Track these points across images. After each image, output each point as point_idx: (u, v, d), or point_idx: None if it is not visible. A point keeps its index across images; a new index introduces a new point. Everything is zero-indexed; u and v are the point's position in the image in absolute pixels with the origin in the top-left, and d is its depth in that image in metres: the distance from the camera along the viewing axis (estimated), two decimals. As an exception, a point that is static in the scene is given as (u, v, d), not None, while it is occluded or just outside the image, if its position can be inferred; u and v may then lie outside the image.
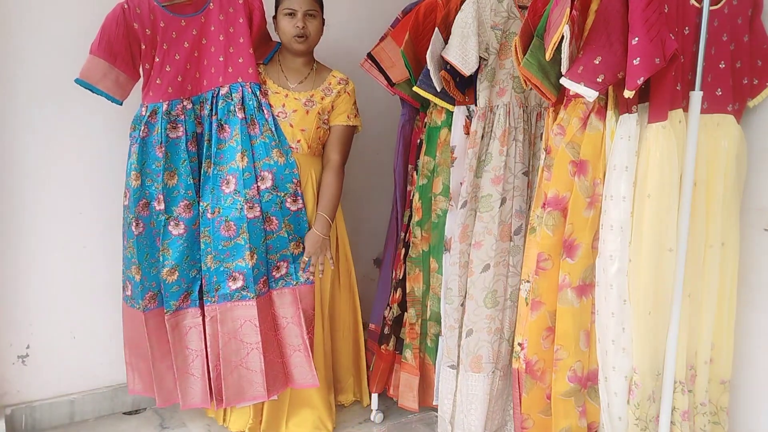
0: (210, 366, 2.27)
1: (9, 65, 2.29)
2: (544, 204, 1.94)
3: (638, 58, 1.67)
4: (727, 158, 1.95)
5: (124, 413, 2.60)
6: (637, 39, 1.68)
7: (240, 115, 2.25)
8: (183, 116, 2.25)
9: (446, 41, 2.16)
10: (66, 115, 2.38)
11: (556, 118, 1.95)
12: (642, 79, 1.68)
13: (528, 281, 2.03)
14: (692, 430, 2.04)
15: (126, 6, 2.16)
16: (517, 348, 2.07)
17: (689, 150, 1.83)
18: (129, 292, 2.28)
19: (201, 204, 2.27)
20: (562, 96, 1.92)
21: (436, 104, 2.30)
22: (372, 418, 2.56)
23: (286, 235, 2.30)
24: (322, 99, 2.35)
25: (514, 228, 2.19)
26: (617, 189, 1.81)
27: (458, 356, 2.24)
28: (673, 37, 1.70)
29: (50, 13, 2.33)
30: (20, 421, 2.42)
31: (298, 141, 2.33)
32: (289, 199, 2.30)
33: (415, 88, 2.25)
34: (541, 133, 2.17)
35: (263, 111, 2.28)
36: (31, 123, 2.34)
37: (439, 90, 2.19)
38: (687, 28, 1.86)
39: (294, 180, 2.30)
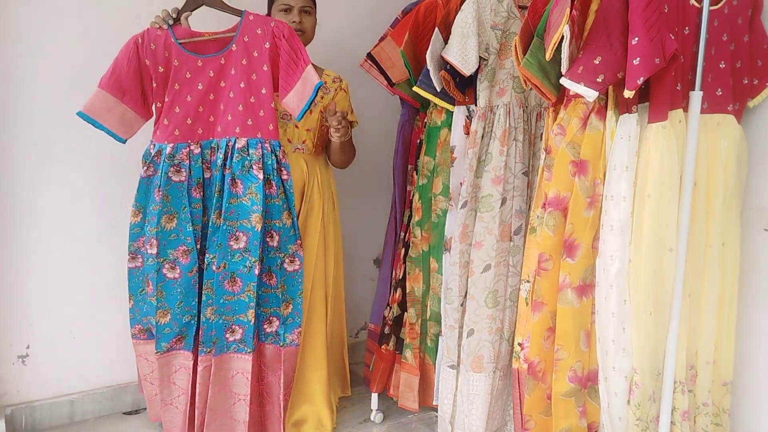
0: (195, 410, 2.23)
1: (9, 65, 2.29)
2: (545, 204, 1.94)
3: (638, 58, 1.67)
4: (727, 158, 1.95)
5: (124, 413, 2.60)
6: (637, 39, 1.68)
7: (259, 175, 2.15)
8: (188, 161, 2.15)
9: (446, 41, 2.15)
10: (66, 116, 2.37)
11: (556, 118, 1.94)
12: (642, 79, 1.68)
13: (528, 281, 2.03)
14: (693, 430, 2.04)
15: (140, 40, 2.08)
16: (517, 348, 2.07)
17: (689, 150, 1.83)
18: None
19: (207, 255, 2.19)
20: (562, 96, 1.92)
21: (436, 104, 2.30)
22: (372, 418, 2.56)
23: (280, 295, 2.25)
24: (321, 98, 2.35)
25: (514, 228, 2.19)
26: (617, 189, 1.81)
27: (458, 356, 2.24)
28: (673, 37, 1.70)
29: (50, 13, 2.33)
30: (20, 421, 2.42)
31: (304, 141, 2.33)
32: (287, 260, 2.26)
33: (415, 88, 2.25)
34: (541, 133, 2.17)
35: (282, 172, 2.20)
36: (31, 123, 2.34)
37: (438, 90, 2.19)
38: (687, 28, 1.86)
39: (297, 242, 2.27)
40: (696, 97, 1.84)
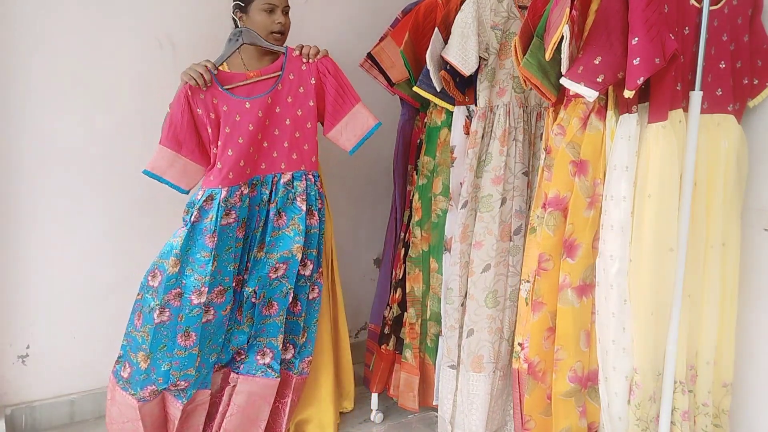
0: (213, 427, 2.25)
1: (10, 66, 2.29)
2: (545, 204, 1.94)
3: (638, 58, 1.67)
4: (727, 158, 1.95)
5: (124, 413, 2.60)
6: (637, 39, 1.68)
7: (302, 206, 2.18)
8: (239, 203, 2.12)
9: (446, 41, 2.15)
10: (66, 116, 2.38)
11: (556, 118, 1.94)
12: (642, 78, 1.68)
13: (528, 281, 2.03)
14: (693, 430, 2.04)
15: (189, 92, 2.06)
16: (517, 348, 2.07)
17: (689, 150, 1.83)
18: (126, 375, 2.09)
19: (246, 289, 2.19)
20: (562, 96, 1.92)
21: (435, 104, 2.30)
22: (372, 418, 2.56)
23: (301, 323, 2.28)
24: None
25: (514, 228, 2.19)
26: (617, 189, 1.81)
27: (459, 356, 2.24)
28: (673, 37, 1.70)
29: (51, 13, 2.32)
30: (20, 421, 2.42)
31: None
32: (314, 289, 2.30)
33: (415, 88, 2.25)
34: (541, 133, 2.17)
35: (320, 201, 2.25)
36: (32, 123, 2.34)
37: (438, 90, 2.19)
38: (687, 28, 1.86)
39: (319, 270, 2.30)
40: (696, 97, 1.84)
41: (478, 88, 2.19)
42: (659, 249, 1.82)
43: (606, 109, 1.85)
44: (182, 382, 2.10)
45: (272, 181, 2.19)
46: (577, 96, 1.83)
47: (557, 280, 1.94)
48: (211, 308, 2.12)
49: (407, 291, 2.43)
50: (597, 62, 1.72)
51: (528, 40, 1.82)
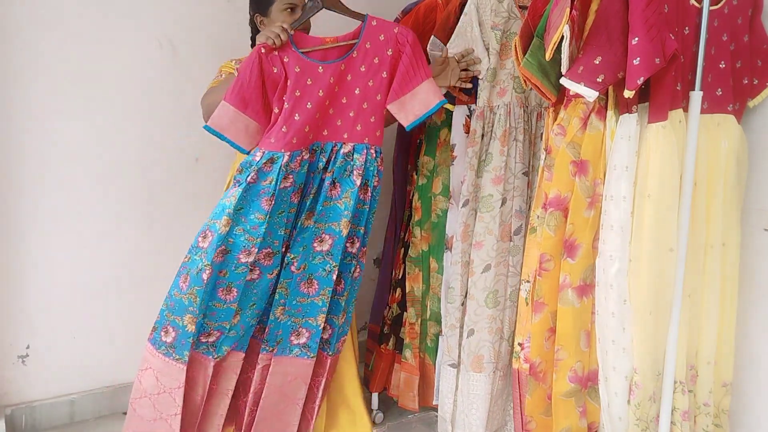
0: (246, 408, 2.20)
1: (10, 66, 2.29)
2: (545, 204, 1.94)
3: (638, 58, 1.67)
4: (727, 158, 1.95)
5: (124, 413, 2.59)
6: (637, 39, 1.68)
7: (357, 180, 2.11)
8: (298, 168, 2.06)
9: (445, 44, 2.17)
10: (66, 115, 2.38)
11: (556, 118, 1.94)
12: (642, 78, 1.68)
13: (528, 281, 2.02)
14: (693, 430, 2.04)
15: (263, 50, 2.00)
16: (517, 348, 2.07)
17: (689, 150, 1.83)
18: (170, 340, 2.03)
19: (288, 255, 2.13)
20: (562, 96, 1.92)
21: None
22: (372, 418, 2.56)
23: (342, 303, 2.22)
24: None
25: (514, 228, 2.19)
26: (617, 189, 1.81)
27: (459, 355, 2.24)
28: (673, 37, 1.70)
29: (51, 13, 2.33)
30: (20, 421, 2.42)
31: None
32: (357, 268, 2.24)
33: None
34: (541, 133, 2.18)
35: (376, 178, 2.17)
36: (31, 123, 2.34)
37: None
38: (687, 28, 1.86)
39: (363, 249, 2.23)
40: (696, 97, 1.84)
41: (478, 88, 2.19)
42: (659, 249, 1.82)
43: (606, 109, 1.85)
44: (215, 332, 2.06)
45: (332, 150, 2.12)
46: (578, 96, 1.83)
47: (558, 280, 1.94)
48: (257, 268, 2.08)
49: (407, 291, 2.44)
50: (597, 62, 1.72)
51: (528, 40, 1.82)
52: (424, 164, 2.39)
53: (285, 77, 2.02)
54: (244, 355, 2.17)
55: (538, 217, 1.98)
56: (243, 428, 2.20)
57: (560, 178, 1.90)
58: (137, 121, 2.50)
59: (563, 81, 1.76)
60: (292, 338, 2.17)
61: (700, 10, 1.83)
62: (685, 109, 1.87)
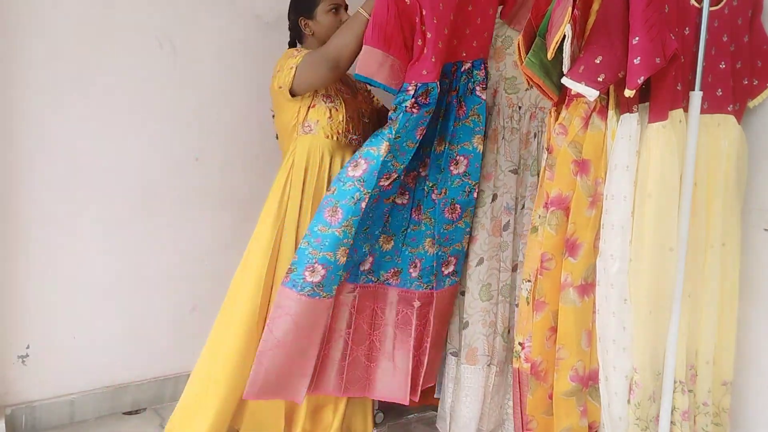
0: (347, 348, 2.14)
1: (10, 65, 2.29)
2: (547, 203, 1.94)
3: (638, 58, 1.68)
4: (727, 158, 1.95)
5: (124, 413, 2.60)
6: (637, 39, 1.68)
7: (482, 95, 2.11)
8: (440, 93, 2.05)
9: None
10: (65, 115, 2.38)
11: (558, 117, 1.95)
12: (642, 78, 1.68)
13: (529, 280, 2.03)
14: (693, 430, 2.04)
15: None
16: (517, 348, 2.07)
17: (689, 150, 1.84)
18: (317, 278, 1.97)
19: (426, 183, 2.13)
20: (564, 95, 1.92)
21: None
22: (372, 418, 2.56)
23: (463, 226, 2.17)
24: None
25: (503, 224, 2.22)
26: (618, 188, 1.81)
27: (460, 343, 2.28)
28: (673, 37, 1.71)
29: (52, 13, 2.32)
30: (20, 421, 2.41)
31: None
32: (476, 189, 2.18)
33: None
34: (535, 132, 2.21)
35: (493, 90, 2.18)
36: (30, 122, 2.34)
37: None
38: (687, 28, 1.87)
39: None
40: (696, 97, 1.84)
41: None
42: (659, 248, 1.83)
43: (608, 109, 1.85)
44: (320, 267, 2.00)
45: (451, 70, 2.12)
46: (579, 95, 1.84)
47: (559, 279, 1.94)
48: (375, 189, 2.03)
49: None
50: (598, 61, 1.73)
51: (531, 39, 1.83)
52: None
53: (419, 7, 1.97)
54: (354, 286, 2.14)
55: (539, 216, 1.99)
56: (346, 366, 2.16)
57: (562, 177, 1.90)
58: (137, 121, 2.50)
59: (564, 80, 1.76)
60: (443, 269, 2.16)
61: (701, 11, 1.84)
62: (686, 109, 1.87)
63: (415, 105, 1.99)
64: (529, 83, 1.91)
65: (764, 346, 2.08)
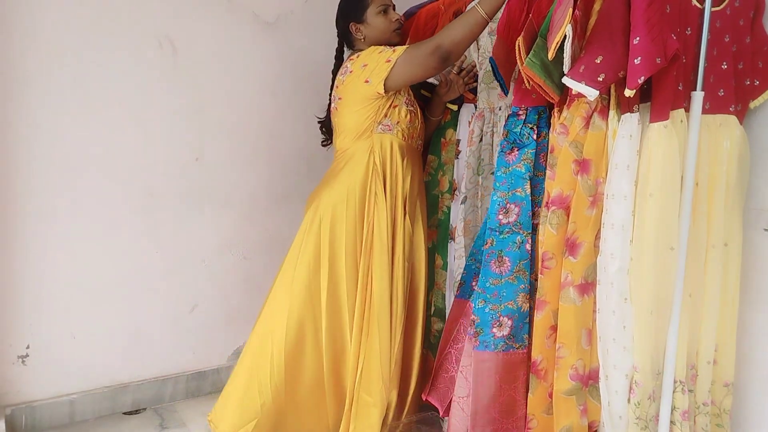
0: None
1: (10, 65, 2.29)
2: (547, 203, 1.95)
3: (639, 58, 1.68)
4: (728, 159, 1.95)
5: (124, 413, 2.60)
6: (638, 38, 1.69)
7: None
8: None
9: None
10: (65, 115, 2.38)
11: (559, 117, 1.95)
12: (643, 78, 1.69)
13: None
14: (693, 430, 2.05)
15: None
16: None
17: (690, 150, 1.84)
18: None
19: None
20: (565, 95, 1.93)
21: (439, 105, 2.32)
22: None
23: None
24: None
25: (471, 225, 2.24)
26: (619, 188, 1.81)
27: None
28: (674, 38, 1.71)
29: (52, 12, 2.32)
30: (20, 421, 2.41)
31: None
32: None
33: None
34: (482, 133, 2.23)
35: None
36: (30, 122, 2.34)
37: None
38: (689, 28, 1.87)
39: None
40: (697, 97, 1.84)
41: (477, 89, 2.21)
42: (660, 248, 1.83)
43: (609, 109, 1.86)
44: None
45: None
46: (580, 95, 1.84)
47: (560, 278, 1.94)
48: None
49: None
50: (598, 61, 1.73)
51: (532, 39, 1.83)
52: (428, 162, 2.40)
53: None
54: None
55: (540, 215, 1.99)
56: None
57: (563, 176, 1.90)
58: (137, 121, 2.50)
59: (565, 80, 1.76)
60: (494, 330, 2.04)
61: (703, 11, 1.84)
62: (687, 110, 1.88)
63: (537, 129, 2.00)
64: (529, 83, 1.91)
65: (765, 346, 2.09)
